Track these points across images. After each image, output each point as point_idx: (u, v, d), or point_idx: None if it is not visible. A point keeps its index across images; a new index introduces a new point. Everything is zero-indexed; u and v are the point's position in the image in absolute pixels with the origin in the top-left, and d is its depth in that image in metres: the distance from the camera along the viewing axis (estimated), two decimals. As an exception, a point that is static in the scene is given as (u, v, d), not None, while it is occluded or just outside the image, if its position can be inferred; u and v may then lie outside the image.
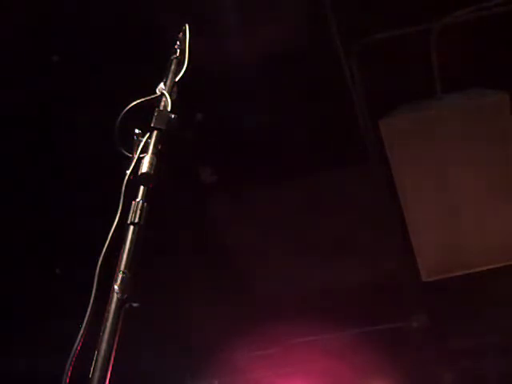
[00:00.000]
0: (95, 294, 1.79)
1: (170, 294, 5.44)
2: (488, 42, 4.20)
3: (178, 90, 2.21)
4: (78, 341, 1.73)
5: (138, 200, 1.89)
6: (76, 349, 1.72)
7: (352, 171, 4.93)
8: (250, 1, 3.90)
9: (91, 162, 4.49)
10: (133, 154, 2.00)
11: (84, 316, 1.76)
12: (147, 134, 2.04)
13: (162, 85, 2.20)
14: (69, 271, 5.21)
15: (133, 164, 1.98)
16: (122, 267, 1.77)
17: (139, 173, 1.93)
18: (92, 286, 1.80)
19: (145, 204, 1.88)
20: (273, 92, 4.37)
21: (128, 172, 1.97)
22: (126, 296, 1.73)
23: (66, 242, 5.01)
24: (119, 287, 1.73)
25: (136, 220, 1.85)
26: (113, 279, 1.75)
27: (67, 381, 1.69)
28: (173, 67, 2.27)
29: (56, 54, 4.06)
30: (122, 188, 1.95)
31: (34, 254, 5.11)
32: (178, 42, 2.36)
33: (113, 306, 1.72)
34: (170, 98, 2.14)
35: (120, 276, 1.75)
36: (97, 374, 1.63)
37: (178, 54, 2.31)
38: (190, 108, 4.20)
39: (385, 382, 6.41)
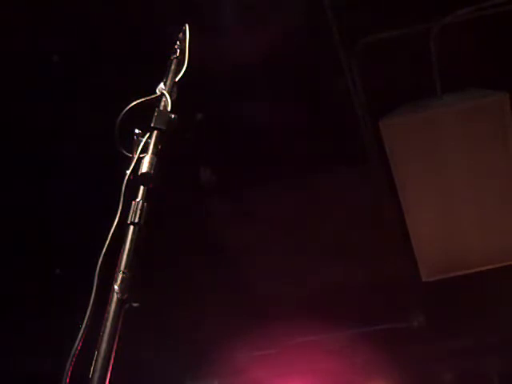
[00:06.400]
0: (95, 294, 1.79)
1: (169, 294, 5.45)
2: (488, 42, 4.19)
3: (177, 90, 2.21)
4: (77, 341, 1.73)
5: (137, 200, 1.89)
6: (76, 349, 1.72)
7: (352, 171, 4.93)
8: (250, 1, 3.90)
9: (91, 161, 4.49)
10: (133, 154, 2.00)
11: (84, 316, 1.76)
12: (147, 134, 2.04)
13: (161, 85, 2.20)
14: (69, 271, 5.21)
15: (133, 164, 1.98)
16: (122, 267, 1.77)
17: (139, 173, 1.93)
18: (92, 286, 1.80)
19: (145, 204, 1.88)
20: (273, 92, 4.37)
21: (128, 172, 1.97)
22: (125, 296, 1.73)
23: (66, 241, 5.01)
24: (119, 287, 1.73)
25: (136, 220, 1.85)
26: (113, 279, 1.75)
27: (67, 381, 1.69)
28: (173, 67, 2.27)
29: (56, 54, 4.06)
30: (122, 188, 1.95)
31: (34, 254, 5.11)
32: (178, 42, 2.36)
33: (113, 305, 1.72)
34: (170, 97, 2.14)
35: (120, 276, 1.75)
36: (97, 374, 1.63)
37: (177, 54, 2.31)
38: (190, 108, 4.20)
39: (385, 382, 6.41)
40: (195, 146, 4.43)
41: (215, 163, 4.84)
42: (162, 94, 2.16)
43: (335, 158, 4.76)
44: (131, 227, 1.85)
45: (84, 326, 1.75)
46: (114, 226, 1.87)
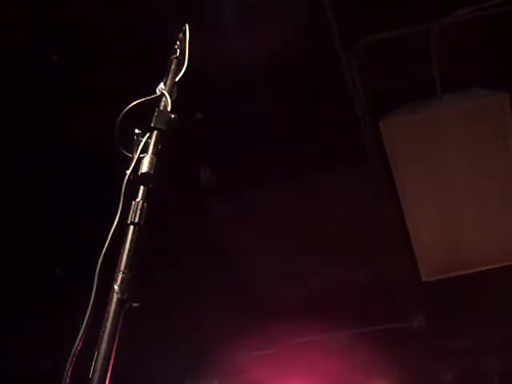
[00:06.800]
0: (95, 294, 1.79)
1: (169, 294, 5.44)
2: (488, 42, 4.19)
3: (177, 90, 2.21)
4: (78, 341, 1.73)
5: (137, 200, 1.90)
6: (76, 349, 1.72)
7: (352, 171, 4.92)
8: (250, 1, 3.90)
9: (91, 161, 4.49)
10: (133, 154, 2.00)
11: (84, 316, 1.76)
12: (147, 134, 2.04)
13: (161, 85, 2.20)
14: (69, 271, 5.21)
15: (133, 164, 1.98)
16: (122, 267, 1.77)
17: (139, 173, 1.94)
18: (92, 286, 1.80)
19: (145, 204, 1.88)
20: (273, 92, 4.37)
21: (128, 172, 1.97)
22: (125, 296, 1.73)
23: (66, 241, 5.01)
24: (119, 287, 1.73)
25: (136, 220, 1.85)
26: (113, 279, 1.75)
27: (67, 381, 1.69)
28: (173, 67, 2.27)
29: (56, 54, 4.06)
30: (122, 188, 1.95)
31: (34, 254, 5.11)
32: (178, 42, 2.36)
33: (113, 305, 1.72)
34: (170, 97, 2.14)
35: (120, 276, 1.75)
36: (97, 374, 1.63)
37: (177, 54, 2.31)
38: (190, 108, 4.20)
39: (385, 382, 6.41)
40: (195, 145, 4.43)
41: (215, 163, 4.84)
42: (162, 94, 2.16)
43: (335, 158, 4.76)
44: (131, 227, 1.85)
45: (84, 325, 1.75)
46: (114, 226, 1.88)
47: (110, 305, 1.72)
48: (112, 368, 1.65)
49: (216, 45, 3.86)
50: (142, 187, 1.93)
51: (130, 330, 1.73)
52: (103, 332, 1.68)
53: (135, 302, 1.74)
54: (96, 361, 1.64)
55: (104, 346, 1.66)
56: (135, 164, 1.97)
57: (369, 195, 5.05)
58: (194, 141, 4.30)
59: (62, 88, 4.16)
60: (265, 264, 5.61)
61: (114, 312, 1.71)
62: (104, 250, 1.85)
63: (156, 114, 2.07)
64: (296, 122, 4.57)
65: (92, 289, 1.79)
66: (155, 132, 2.04)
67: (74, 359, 1.71)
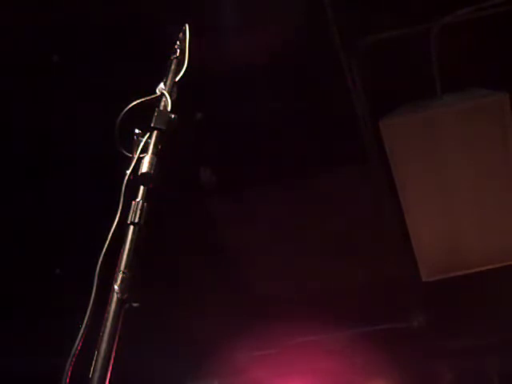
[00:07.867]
0: (95, 294, 1.79)
1: (169, 294, 5.45)
2: (488, 42, 4.20)
3: (177, 90, 2.21)
4: (78, 341, 1.73)
5: (137, 200, 1.90)
6: (76, 349, 1.72)
7: (352, 171, 4.92)
8: (250, 1, 3.90)
9: (91, 161, 4.49)
10: (133, 154, 2.01)
11: (84, 316, 1.76)
12: (147, 134, 2.04)
13: (161, 85, 2.20)
14: (69, 271, 5.21)
15: (133, 164, 1.98)
16: (122, 267, 1.77)
17: (139, 173, 1.94)
18: (92, 286, 1.80)
19: (145, 204, 1.89)
20: (273, 92, 4.37)
21: (128, 172, 1.97)
22: (125, 296, 1.73)
23: (66, 241, 5.01)
24: (119, 287, 1.73)
25: (136, 220, 1.85)
26: (113, 279, 1.76)
27: (67, 381, 1.69)
28: (173, 67, 2.28)
29: (56, 54, 4.06)
30: (122, 188, 1.95)
31: (34, 254, 5.10)
32: (178, 42, 2.37)
33: (113, 305, 1.72)
34: (170, 97, 2.14)
35: (120, 276, 1.75)
36: (97, 374, 1.63)
37: (177, 54, 2.31)
38: (190, 108, 4.19)
39: (385, 382, 6.41)
40: (195, 145, 4.43)
41: (215, 163, 4.84)
42: (162, 94, 2.16)
43: (335, 158, 4.76)
44: (131, 227, 1.85)
45: (84, 325, 1.75)
46: (114, 226, 1.88)
47: (110, 305, 1.72)
48: (112, 368, 1.65)
49: (216, 45, 3.86)
50: (142, 187, 1.93)
51: (130, 329, 1.73)
52: (103, 332, 1.68)
53: (135, 302, 1.74)
54: (96, 361, 1.65)
55: (104, 345, 1.66)
56: (135, 164, 1.97)
57: (369, 195, 5.06)
58: (194, 141, 4.30)
59: (62, 88, 4.16)
60: (265, 264, 5.61)
61: (114, 312, 1.71)
62: (104, 250, 1.85)
63: (156, 114, 2.07)
64: (296, 122, 4.57)
65: (92, 289, 1.79)
66: (155, 132, 2.04)
67: (74, 359, 1.71)
